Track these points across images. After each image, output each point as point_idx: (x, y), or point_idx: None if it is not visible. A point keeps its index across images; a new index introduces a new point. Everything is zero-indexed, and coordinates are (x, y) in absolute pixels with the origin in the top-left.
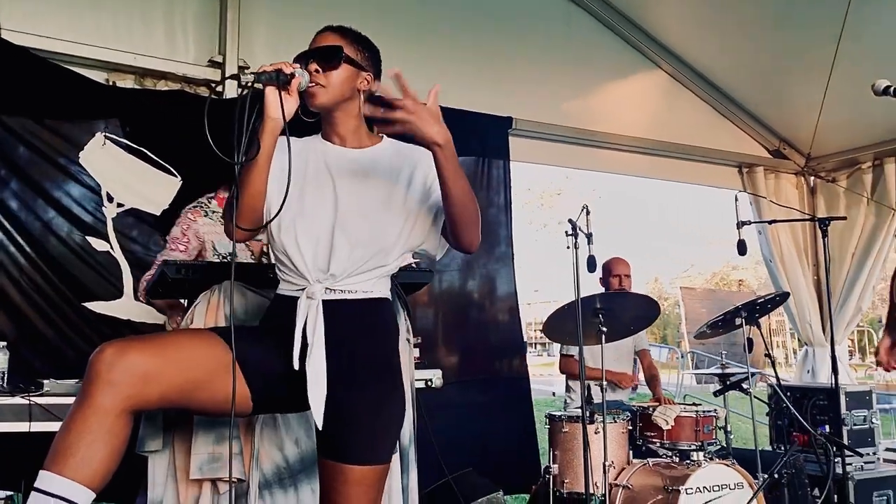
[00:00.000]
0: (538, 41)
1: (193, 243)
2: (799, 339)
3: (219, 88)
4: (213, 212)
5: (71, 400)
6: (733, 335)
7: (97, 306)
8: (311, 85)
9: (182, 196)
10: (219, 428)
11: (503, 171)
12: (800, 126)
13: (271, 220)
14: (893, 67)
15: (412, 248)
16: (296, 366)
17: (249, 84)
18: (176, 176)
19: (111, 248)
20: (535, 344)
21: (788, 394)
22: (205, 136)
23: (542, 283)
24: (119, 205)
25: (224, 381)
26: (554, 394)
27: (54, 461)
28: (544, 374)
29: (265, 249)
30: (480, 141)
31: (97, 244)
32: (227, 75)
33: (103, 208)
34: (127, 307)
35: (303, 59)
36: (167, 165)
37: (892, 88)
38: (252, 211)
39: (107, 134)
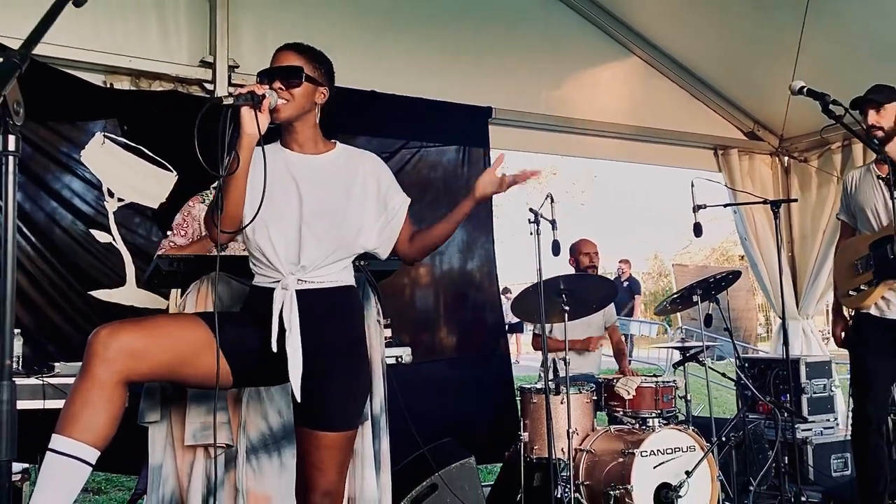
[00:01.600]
0: (515, 32)
1: (193, 227)
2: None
3: (210, 87)
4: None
5: None
6: (722, 311)
7: (102, 294)
8: (280, 101)
9: (178, 190)
10: (209, 401)
11: (483, 159)
12: (773, 108)
13: (249, 223)
14: (858, 49)
15: (369, 247)
16: (274, 348)
17: (230, 105)
18: (172, 171)
19: (113, 239)
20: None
21: (747, 365)
22: (197, 135)
23: (526, 264)
24: (119, 199)
25: (206, 358)
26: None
27: (64, 426)
28: (528, 351)
29: None
30: (461, 131)
31: (100, 236)
32: (215, 95)
33: (105, 203)
34: (130, 294)
35: (266, 76)
36: (163, 162)
37: (805, 88)
38: (235, 216)
39: (106, 133)
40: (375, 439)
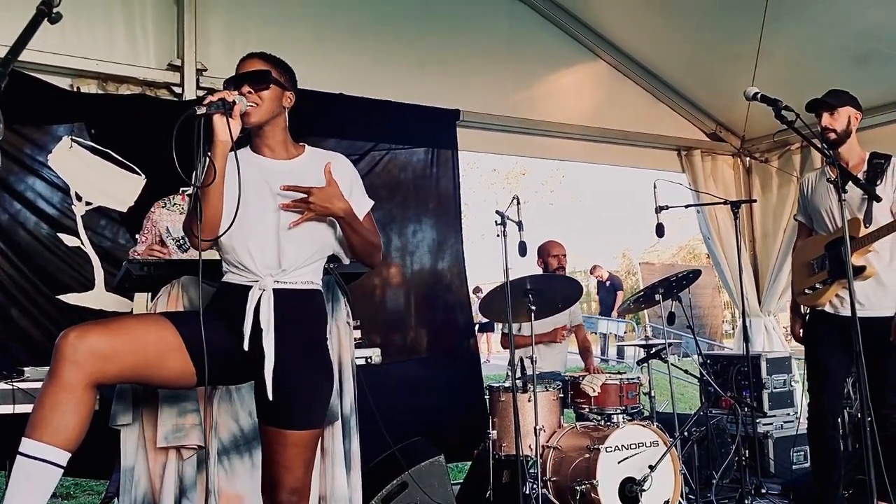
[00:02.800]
0: (482, 35)
1: (153, 232)
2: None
3: (178, 91)
4: (175, 204)
5: None
6: (685, 309)
7: (71, 298)
8: (249, 106)
9: (146, 194)
10: (180, 403)
11: (452, 161)
12: (734, 110)
13: (226, 231)
14: (818, 54)
15: (336, 249)
16: (246, 347)
17: (203, 114)
18: (140, 175)
19: (82, 243)
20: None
21: (710, 361)
22: (166, 138)
23: (495, 264)
24: (87, 203)
25: (173, 360)
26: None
27: (33, 430)
28: (501, 350)
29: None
30: (429, 133)
31: (68, 240)
32: (184, 99)
33: (73, 206)
34: (98, 298)
35: (233, 82)
36: (131, 165)
37: (759, 94)
38: (214, 223)
39: (73, 137)
40: (346, 439)
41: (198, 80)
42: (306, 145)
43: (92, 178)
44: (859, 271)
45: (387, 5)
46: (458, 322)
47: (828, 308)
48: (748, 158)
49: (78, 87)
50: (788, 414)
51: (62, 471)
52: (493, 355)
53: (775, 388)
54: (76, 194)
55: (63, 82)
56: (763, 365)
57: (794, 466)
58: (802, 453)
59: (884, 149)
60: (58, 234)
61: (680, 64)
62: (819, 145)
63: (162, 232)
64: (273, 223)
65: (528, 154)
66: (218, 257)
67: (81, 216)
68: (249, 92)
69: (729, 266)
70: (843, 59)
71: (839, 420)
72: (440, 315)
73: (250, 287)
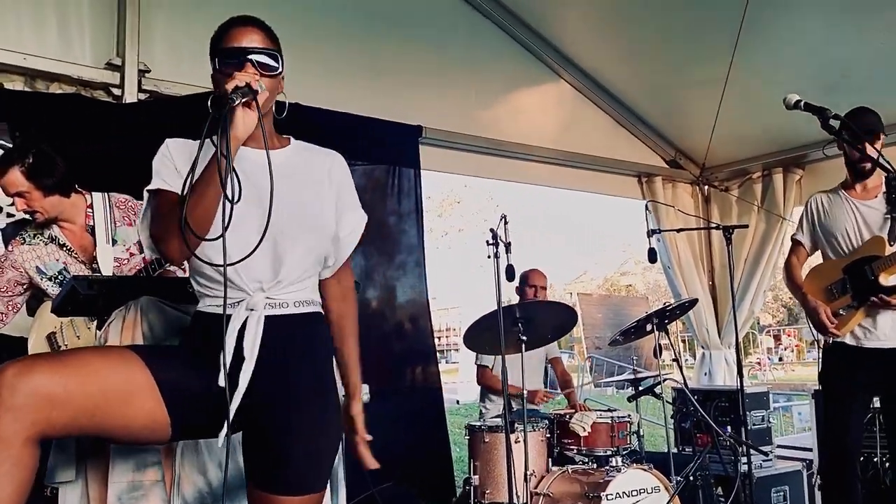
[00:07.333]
0: (447, 52)
1: (10, 274)
2: (696, 344)
3: (117, 92)
4: (35, 235)
5: None
6: (672, 342)
7: None
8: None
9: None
10: (138, 454)
11: (414, 179)
12: (695, 138)
13: (221, 235)
14: (781, 84)
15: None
16: (221, 381)
17: (233, 104)
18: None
19: None
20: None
21: (698, 396)
22: (104, 141)
23: (440, 290)
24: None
25: (140, 405)
26: (458, 402)
27: None
28: (447, 381)
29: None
30: (391, 149)
31: None
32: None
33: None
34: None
35: (233, 57)
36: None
37: (802, 102)
38: (207, 225)
39: None
40: (333, 494)
41: (139, 82)
42: (291, 137)
43: None
44: (892, 291)
45: (345, 14)
46: (419, 350)
47: (848, 340)
48: (706, 187)
49: (1, 84)
50: (769, 452)
51: None
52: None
53: (754, 424)
54: None
55: None
56: (741, 400)
57: None
58: (782, 493)
59: (840, 181)
60: None
61: (642, 89)
62: (872, 158)
63: (32, 274)
64: (265, 224)
65: (486, 175)
66: (181, 275)
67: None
68: (254, 73)
69: (690, 296)
70: (810, 89)
71: (859, 463)
72: (399, 343)
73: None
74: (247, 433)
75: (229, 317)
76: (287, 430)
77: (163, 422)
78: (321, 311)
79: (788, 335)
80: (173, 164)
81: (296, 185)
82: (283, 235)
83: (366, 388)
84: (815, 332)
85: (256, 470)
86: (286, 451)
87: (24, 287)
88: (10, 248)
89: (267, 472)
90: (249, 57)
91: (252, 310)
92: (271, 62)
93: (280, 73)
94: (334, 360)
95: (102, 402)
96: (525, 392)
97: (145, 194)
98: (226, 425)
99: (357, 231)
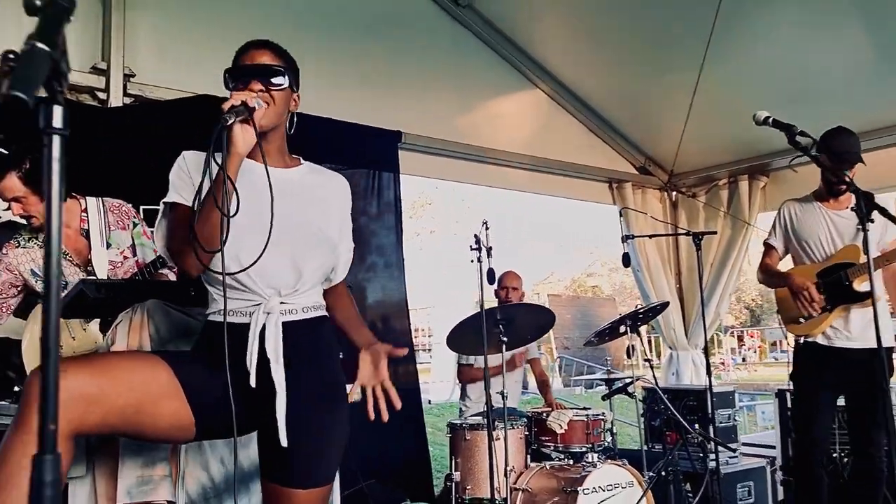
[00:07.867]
0: (426, 59)
1: (4, 276)
2: (663, 344)
3: (103, 96)
4: (30, 238)
5: None
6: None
7: None
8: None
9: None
10: (147, 451)
11: (393, 183)
12: (664, 145)
13: (223, 244)
14: (749, 94)
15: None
16: (252, 383)
17: (231, 123)
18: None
19: None
20: None
21: (667, 395)
22: (90, 145)
23: (411, 291)
24: None
25: (167, 405)
26: (430, 402)
27: None
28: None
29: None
30: (371, 154)
31: None
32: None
33: None
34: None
35: (239, 75)
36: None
37: (771, 119)
38: (213, 237)
39: None
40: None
41: (125, 87)
42: (301, 158)
43: None
44: (866, 296)
45: (328, 18)
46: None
47: (820, 339)
48: (674, 192)
49: None
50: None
51: None
52: None
53: (721, 422)
54: None
55: None
56: (709, 399)
57: (739, 502)
58: (747, 489)
59: (802, 188)
60: None
61: (614, 97)
62: (847, 183)
63: (27, 277)
64: (276, 235)
65: (464, 180)
66: (173, 278)
67: None
68: (261, 90)
69: (658, 298)
70: (777, 99)
71: (825, 458)
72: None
73: (250, 315)
74: (261, 431)
75: (232, 325)
76: (302, 428)
77: (188, 422)
78: (326, 313)
79: (751, 336)
80: (190, 178)
81: (307, 203)
82: (299, 249)
83: (357, 389)
84: (784, 328)
85: (268, 464)
86: (296, 447)
87: (18, 289)
88: (4, 251)
89: (282, 467)
90: (253, 74)
91: (269, 313)
92: (277, 78)
93: (287, 87)
94: (345, 327)
95: (133, 401)
96: (505, 392)
97: (161, 205)
98: (234, 425)
99: (348, 260)
